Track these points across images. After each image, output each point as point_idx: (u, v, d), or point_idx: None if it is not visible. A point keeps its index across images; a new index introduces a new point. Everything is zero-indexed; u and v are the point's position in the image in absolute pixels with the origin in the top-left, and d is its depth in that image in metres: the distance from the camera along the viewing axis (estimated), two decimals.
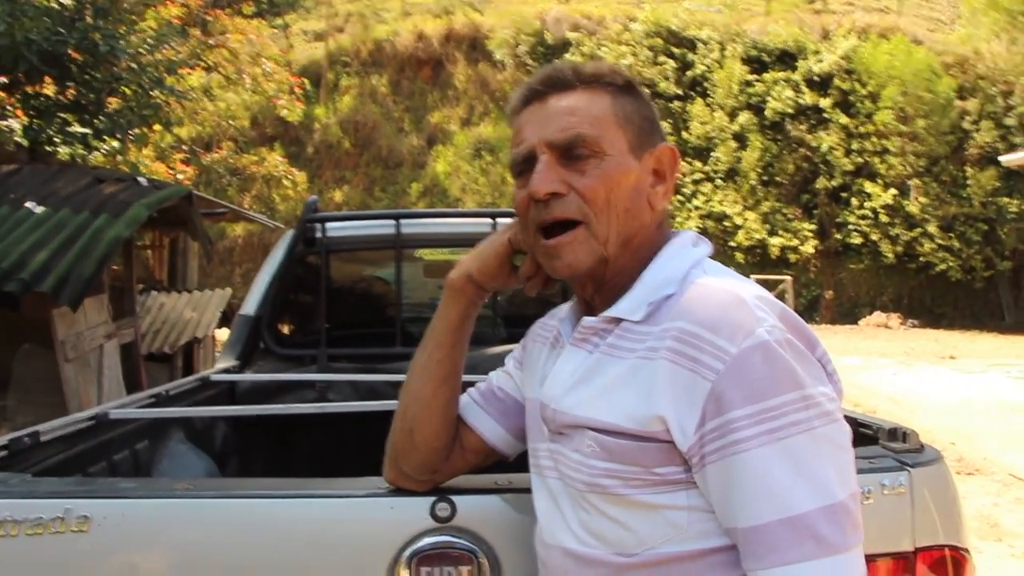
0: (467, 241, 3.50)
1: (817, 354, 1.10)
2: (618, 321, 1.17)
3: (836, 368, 1.15)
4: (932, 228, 23.53)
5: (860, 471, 1.38)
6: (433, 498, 1.38)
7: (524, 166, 1.21)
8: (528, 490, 1.37)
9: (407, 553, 1.35)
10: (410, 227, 3.40)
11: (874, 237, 23.81)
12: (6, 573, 1.34)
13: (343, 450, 3.01)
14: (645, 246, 1.22)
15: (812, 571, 0.99)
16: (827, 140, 24.61)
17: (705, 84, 25.90)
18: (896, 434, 1.60)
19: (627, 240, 1.19)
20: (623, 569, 1.11)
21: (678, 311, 1.11)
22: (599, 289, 1.23)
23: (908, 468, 1.43)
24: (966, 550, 1.46)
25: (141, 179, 7.20)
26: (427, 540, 1.36)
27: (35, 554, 1.34)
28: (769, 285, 21.63)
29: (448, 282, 1.39)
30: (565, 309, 1.38)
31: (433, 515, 1.37)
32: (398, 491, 1.42)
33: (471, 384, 1.51)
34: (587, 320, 1.21)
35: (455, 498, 1.38)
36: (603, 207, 1.17)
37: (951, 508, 1.47)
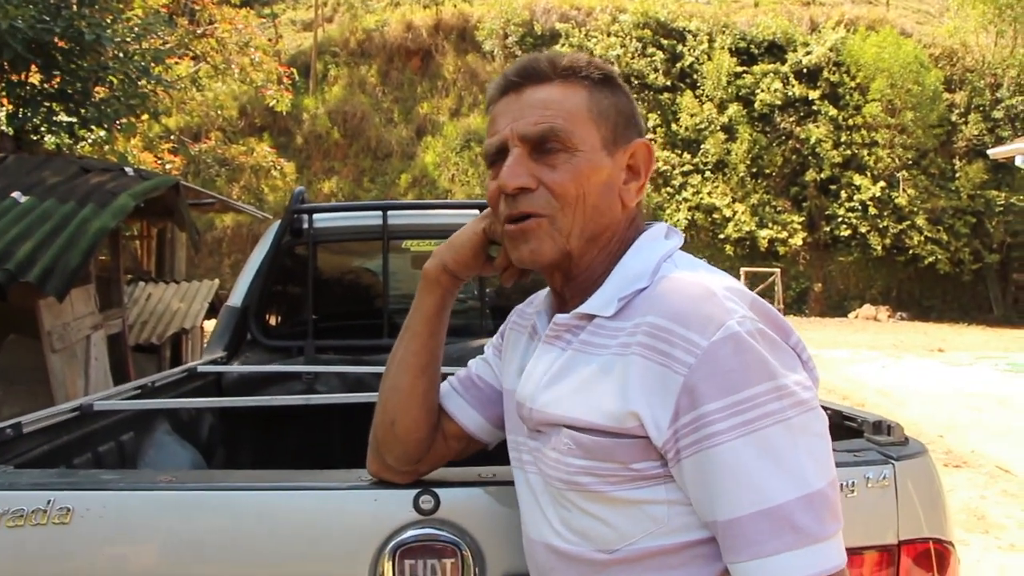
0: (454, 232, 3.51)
1: (791, 342, 1.10)
2: (590, 317, 1.16)
3: (812, 356, 1.14)
4: (920, 221, 23.65)
5: (844, 464, 1.39)
6: (417, 490, 1.37)
7: (497, 157, 1.21)
8: (511, 483, 1.37)
9: (391, 545, 1.35)
10: (397, 218, 3.39)
11: (863, 230, 23.92)
12: None
13: (330, 441, 3.01)
14: (615, 242, 1.21)
15: (791, 561, 0.99)
16: (816, 132, 24.69)
17: (694, 76, 25.93)
18: (881, 427, 1.60)
19: (594, 236, 1.19)
20: (606, 565, 1.11)
21: (648, 305, 1.10)
22: (568, 283, 1.23)
23: (892, 461, 1.43)
24: (951, 543, 1.47)
25: (128, 169, 7.15)
26: (410, 532, 1.36)
27: (16, 546, 1.33)
28: (758, 277, 21.71)
29: (423, 272, 1.39)
30: (541, 298, 1.37)
31: (417, 507, 1.36)
32: (381, 483, 1.41)
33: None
34: (559, 317, 1.20)
35: (439, 491, 1.38)
36: (571, 202, 1.16)
37: (935, 501, 1.48)
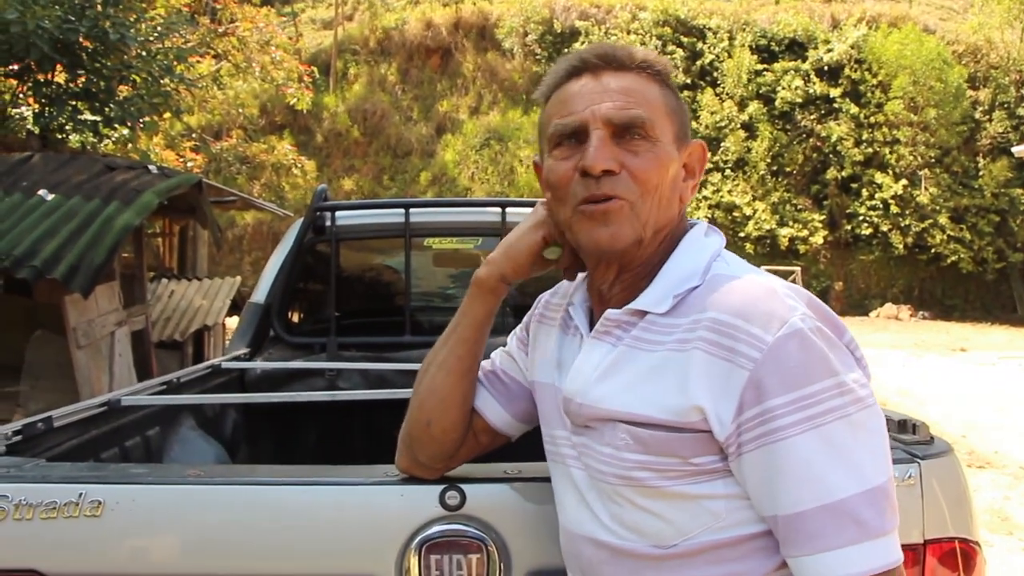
0: (477, 230, 3.52)
1: (845, 340, 1.11)
2: (642, 314, 1.17)
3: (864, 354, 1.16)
4: (943, 219, 23.44)
5: None
6: (443, 486, 1.38)
7: (568, 138, 1.19)
8: (537, 479, 1.38)
9: (417, 540, 1.36)
10: (419, 216, 3.39)
11: (884, 228, 23.74)
12: (21, 556, 1.36)
13: (352, 438, 3.03)
14: (669, 238, 1.22)
15: (855, 555, 1.00)
16: (837, 130, 24.52)
17: (714, 73, 25.83)
18: (906, 426, 1.59)
19: (659, 228, 1.19)
20: (661, 560, 1.11)
21: (708, 302, 1.11)
22: (620, 274, 1.22)
23: (918, 460, 1.43)
24: (976, 543, 1.46)
25: (151, 167, 7.20)
26: (436, 528, 1.37)
27: (49, 538, 1.36)
28: (778, 276, 21.56)
29: (477, 281, 1.37)
30: (568, 291, 1.37)
31: (443, 503, 1.37)
32: (408, 479, 1.42)
33: None
34: (611, 313, 1.20)
35: (464, 486, 1.38)
36: (651, 190, 1.16)
37: (961, 500, 1.47)
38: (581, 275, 1.35)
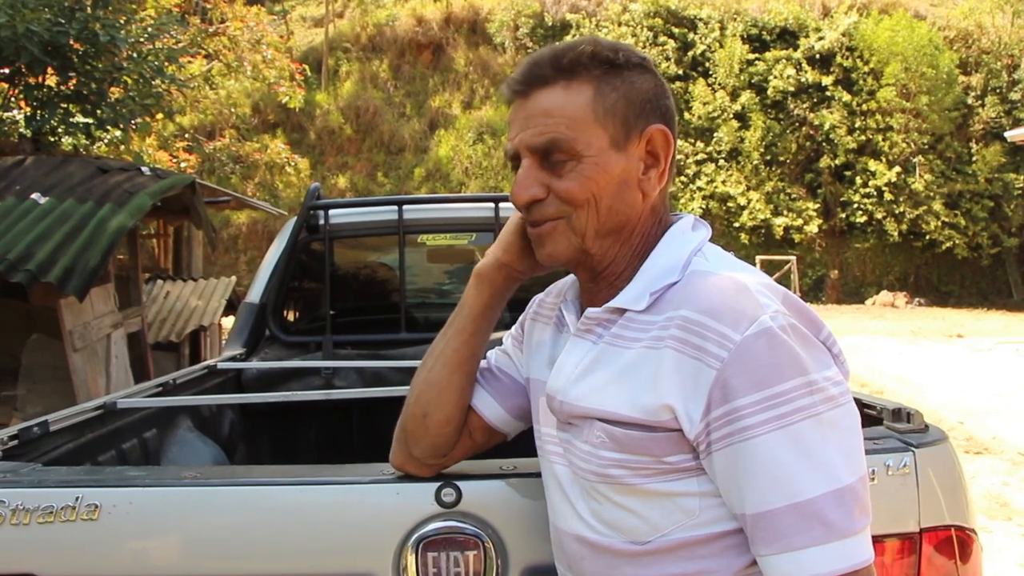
0: (471, 226, 3.52)
1: (822, 336, 1.10)
2: (622, 311, 1.17)
3: (842, 349, 1.15)
4: (937, 205, 23.47)
5: (865, 452, 1.39)
6: (438, 483, 1.39)
7: (515, 162, 1.22)
8: (533, 475, 1.38)
9: (413, 538, 1.37)
10: (413, 212, 3.39)
11: (879, 215, 23.77)
12: (18, 561, 1.36)
13: (349, 436, 3.03)
14: (637, 235, 1.21)
15: (820, 556, 1.00)
16: (829, 118, 24.52)
17: (706, 64, 25.81)
18: (900, 414, 1.60)
19: (612, 232, 1.19)
20: (637, 556, 1.12)
21: (681, 299, 1.11)
22: (595, 278, 1.24)
23: (913, 448, 1.43)
24: (972, 530, 1.46)
25: (145, 168, 7.20)
26: (433, 525, 1.37)
27: (46, 542, 1.36)
28: (774, 265, 21.62)
29: (475, 270, 1.39)
30: (564, 288, 1.38)
31: (439, 500, 1.38)
32: (404, 477, 1.43)
33: None
34: (591, 311, 1.20)
35: (460, 483, 1.39)
36: (582, 205, 1.16)
37: (957, 488, 1.47)
38: (574, 276, 1.35)
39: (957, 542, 1.43)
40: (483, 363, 1.47)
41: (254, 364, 3.08)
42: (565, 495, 1.22)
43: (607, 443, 1.12)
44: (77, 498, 1.37)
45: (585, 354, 1.20)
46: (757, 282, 1.10)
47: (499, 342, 1.53)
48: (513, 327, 1.50)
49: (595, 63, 1.17)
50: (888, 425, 1.59)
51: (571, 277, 1.37)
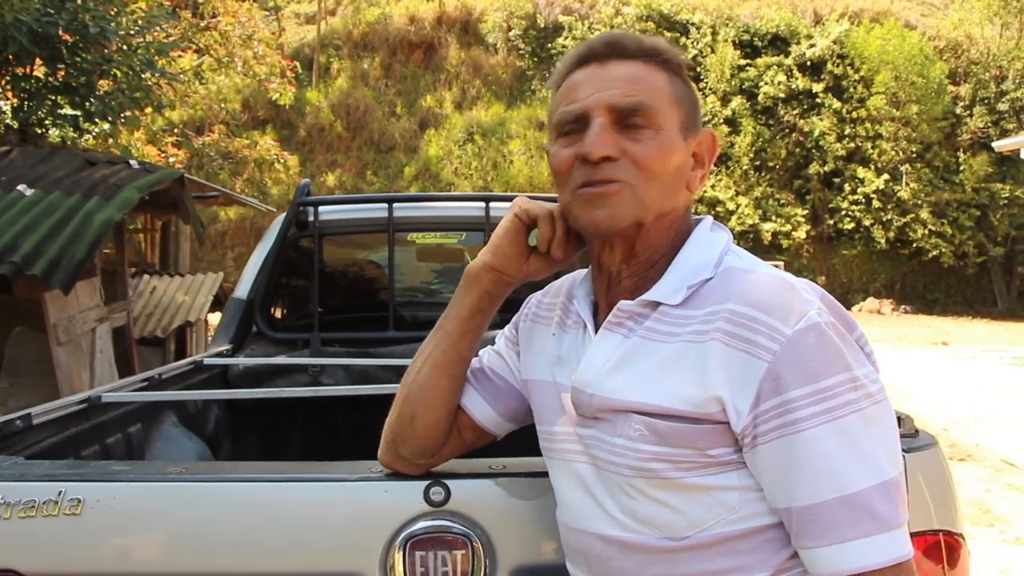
0: (460, 225, 3.51)
1: (855, 336, 1.12)
2: (656, 305, 1.17)
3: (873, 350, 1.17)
4: (924, 214, 23.58)
5: None
6: (427, 482, 1.38)
7: (573, 126, 1.20)
8: (522, 474, 1.37)
9: (401, 537, 1.36)
10: (403, 211, 3.38)
11: (866, 223, 23.86)
12: (0, 556, 1.34)
13: (336, 434, 3.02)
14: (675, 227, 1.22)
15: (870, 547, 1.01)
16: (819, 125, 24.60)
17: (697, 68, 25.84)
18: None
19: (662, 215, 1.19)
20: (673, 552, 1.11)
21: (725, 293, 1.12)
22: (627, 261, 1.22)
23: (903, 453, 1.43)
24: (961, 535, 1.47)
25: (132, 162, 7.15)
26: (421, 524, 1.36)
27: (28, 537, 1.34)
28: None
29: (465, 272, 1.38)
30: (565, 287, 1.37)
31: (427, 499, 1.37)
32: (392, 475, 1.42)
33: None
34: (624, 304, 1.19)
35: (449, 482, 1.38)
36: (653, 175, 1.16)
37: (945, 493, 1.48)
38: (583, 271, 1.34)
39: (945, 547, 1.43)
40: (475, 363, 1.46)
41: (241, 360, 3.06)
42: (588, 493, 1.20)
43: (646, 436, 1.11)
44: (60, 492, 1.35)
45: (617, 347, 1.19)
46: (798, 280, 1.13)
47: (491, 341, 1.52)
48: (507, 328, 1.49)
49: (672, 55, 1.23)
50: None
51: (573, 276, 1.36)
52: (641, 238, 1.20)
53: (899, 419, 1.58)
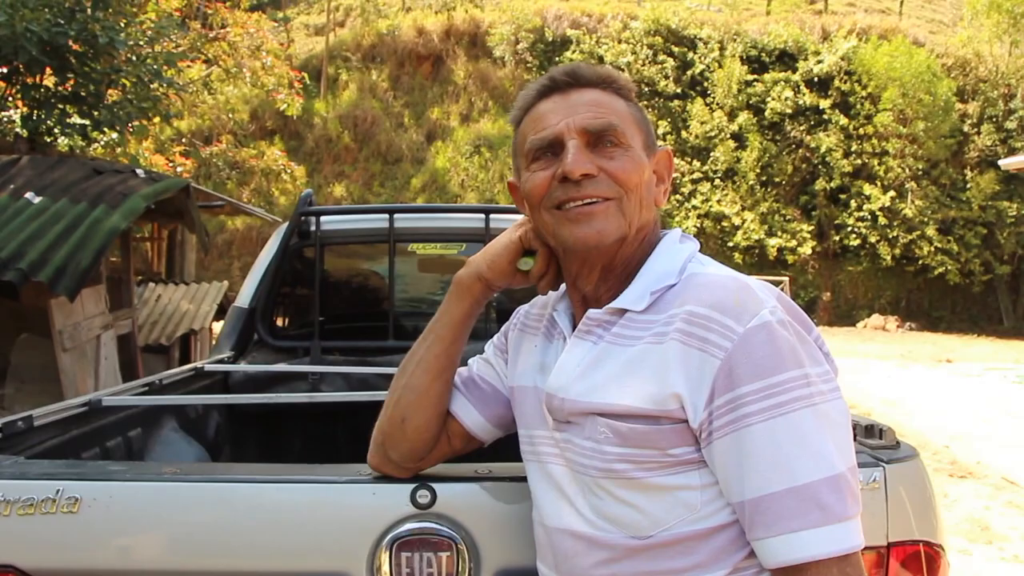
0: (461, 236, 3.53)
1: (812, 337, 1.16)
2: (622, 312, 1.22)
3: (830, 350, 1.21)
4: (930, 231, 23.54)
5: None
6: (414, 485, 1.40)
7: (545, 151, 1.25)
8: (507, 478, 1.40)
9: (388, 538, 1.38)
10: (404, 221, 3.41)
11: (872, 239, 23.83)
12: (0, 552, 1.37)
13: (335, 441, 3.04)
14: (647, 240, 1.28)
15: (815, 538, 1.05)
16: (826, 141, 24.61)
17: (705, 83, 25.91)
18: (872, 431, 1.62)
19: (640, 227, 1.26)
20: (636, 550, 1.15)
21: (685, 297, 1.16)
22: (605, 276, 1.27)
23: (883, 464, 1.45)
24: (941, 546, 1.48)
25: (139, 171, 7.21)
26: (408, 526, 1.39)
27: (27, 534, 1.37)
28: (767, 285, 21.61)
29: (456, 279, 1.42)
30: (551, 301, 1.40)
31: (414, 502, 1.39)
32: (380, 477, 1.44)
33: None
34: (592, 312, 1.25)
35: (435, 485, 1.41)
36: (632, 189, 1.23)
37: (926, 505, 1.49)
38: (563, 287, 1.38)
39: (925, 558, 1.45)
40: (464, 371, 1.50)
41: (241, 367, 3.08)
42: (562, 493, 1.24)
43: (611, 438, 1.15)
44: (58, 491, 1.38)
45: (586, 354, 1.23)
46: (755, 281, 1.17)
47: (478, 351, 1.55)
48: (495, 337, 1.53)
49: (625, 84, 1.30)
50: (860, 441, 1.60)
51: (560, 289, 1.40)
52: (622, 251, 1.25)
53: (881, 431, 1.61)
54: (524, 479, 1.37)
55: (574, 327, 1.30)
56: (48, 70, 8.59)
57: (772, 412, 1.07)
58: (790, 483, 1.05)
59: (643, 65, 25.91)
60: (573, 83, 1.27)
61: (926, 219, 23.72)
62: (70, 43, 8.25)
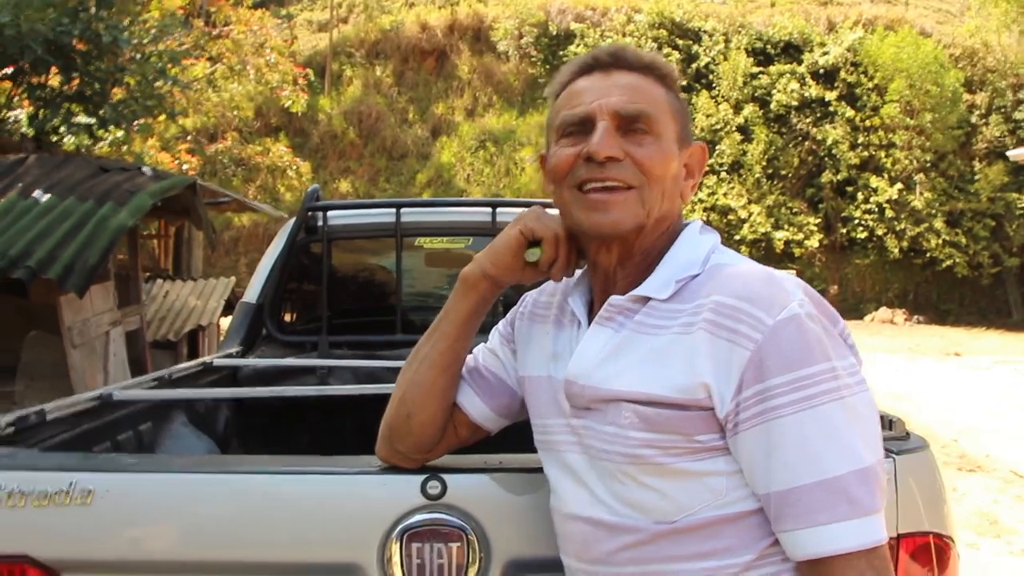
0: (468, 230, 3.54)
1: (839, 329, 1.17)
2: (645, 300, 1.22)
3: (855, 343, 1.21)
4: (938, 223, 23.41)
5: None
6: (424, 476, 1.41)
7: (576, 128, 1.25)
8: (517, 469, 1.41)
9: (398, 529, 1.39)
10: (410, 215, 3.42)
11: (879, 232, 23.72)
12: (14, 542, 1.39)
13: (343, 435, 3.04)
14: (670, 231, 1.28)
15: (844, 531, 1.05)
16: (832, 133, 24.49)
17: (710, 76, 25.81)
18: (883, 422, 1.62)
19: (660, 219, 1.26)
20: (661, 536, 1.15)
21: (711, 287, 1.16)
22: (623, 262, 1.27)
23: (893, 455, 1.46)
24: (951, 538, 1.49)
25: (146, 169, 7.24)
26: (418, 517, 1.40)
27: (41, 524, 1.39)
28: None
29: (462, 275, 1.42)
30: (560, 287, 1.41)
31: (424, 492, 1.40)
32: (390, 469, 1.45)
33: None
34: (614, 299, 1.25)
35: (445, 476, 1.41)
36: (656, 179, 1.23)
37: (936, 496, 1.50)
38: (578, 272, 1.38)
39: (935, 549, 1.45)
40: (469, 361, 1.50)
41: (250, 361, 3.10)
42: (580, 481, 1.24)
43: (636, 423, 1.15)
44: (71, 483, 1.39)
45: (608, 340, 1.23)
46: (782, 274, 1.18)
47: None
48: (501, 325, 1.53)
49: (665, 72, 1.29)
50: None
51: (576, 274, 1.40)
52: (641, 240, 1.25)
53: (891, 422, 1.61)
54: (535, 470, 1.37)
55: (590, 314, 1.30)
56: (53, 70, 8.63)
57: (801, 405, 1.07)
58: (819, 476, 1.06)
59: None
60: (614, 64, 1.27)
61: (934, 211, 23.59)
62: (75, 42, 8.28)
